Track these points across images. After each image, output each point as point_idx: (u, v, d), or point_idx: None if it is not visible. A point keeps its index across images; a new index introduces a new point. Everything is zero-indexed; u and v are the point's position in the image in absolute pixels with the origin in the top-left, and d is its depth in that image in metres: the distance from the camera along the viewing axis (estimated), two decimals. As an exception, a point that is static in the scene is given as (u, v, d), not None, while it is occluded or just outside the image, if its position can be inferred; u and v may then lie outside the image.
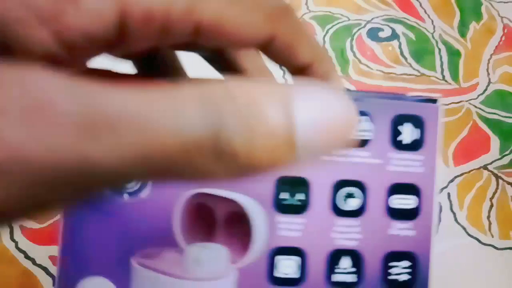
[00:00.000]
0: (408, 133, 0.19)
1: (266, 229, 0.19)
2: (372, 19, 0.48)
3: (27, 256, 0.32)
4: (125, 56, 0.15)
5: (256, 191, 0.19)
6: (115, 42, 0.12)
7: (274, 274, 0.19)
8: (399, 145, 0.19)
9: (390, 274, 0.19)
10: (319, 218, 0.19)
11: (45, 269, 0.32)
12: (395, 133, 0.19)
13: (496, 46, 0.46)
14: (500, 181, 0.37)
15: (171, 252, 0.19)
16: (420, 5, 0.50)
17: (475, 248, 0.34)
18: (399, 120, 0.19)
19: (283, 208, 0.19)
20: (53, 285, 0.31)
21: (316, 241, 0.19)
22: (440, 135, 0.19)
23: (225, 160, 0.10)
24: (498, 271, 0.33)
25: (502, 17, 0.49)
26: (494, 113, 0.41)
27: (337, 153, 0.12)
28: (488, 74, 0.44)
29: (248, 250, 0.19)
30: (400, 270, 0.19)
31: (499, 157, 0.38)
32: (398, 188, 0.19)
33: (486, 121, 0.40)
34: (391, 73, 0.44)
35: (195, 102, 0.10)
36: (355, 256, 0.19)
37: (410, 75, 0.43)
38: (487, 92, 0.42)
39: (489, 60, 0.45)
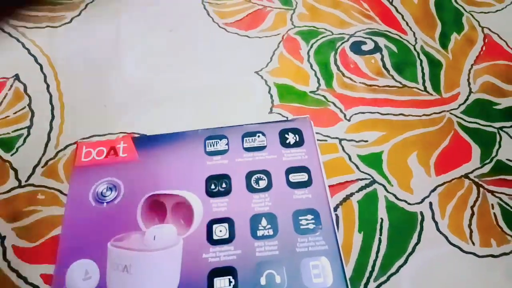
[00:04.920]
0: (291, 137, 0.31)
1: (201, 210, 0.28)
2: (355, 32, 0.49)
3: (19, 275, 0.33)
4: None
5: (193, 186, 0.29)
6: None
7: (212, 237, 0.27)
8: (287, 145, 0.31)
9: (301, 225, 0.27)
10: (240, 196, 0.28)
11: (36, 287, 0.33)
12: (283, 139, 0.31)
13: (477, 56, 0.47)
14: (481, 189, 0.38)
15: (136, 234, 0.27)
16: (403, 17, 0.51)
17: (456, 256, 0.34)
18: (284, 132, 0.31)
19: (213, 194, 0.29)
20: None
21: (240, 211, 0.28)
22: (315, 135, 0.32)
23: None
24: (479, 279, 0.33)
25: (482, 27, 0.50)
26: (475, 122, 0.42)
27: None
28: (469, 84, 0.45)
29: (191, 225, 0.27)
30: (307, 222, 0.27)
31: (480, 165, 0.39)
32: (293, 170, 0.30)
33: (467, 130, 0.41)
34: (374, 85, 0.45)
35: None
36: (271, 217, 0.28)
37: (392, 87, 0.45)
38: (468, 102, 0.43)
39: (470, 70, 0.46)
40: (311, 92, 0.44)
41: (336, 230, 0.27)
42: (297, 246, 0.27)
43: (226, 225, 0.27)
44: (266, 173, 0.30)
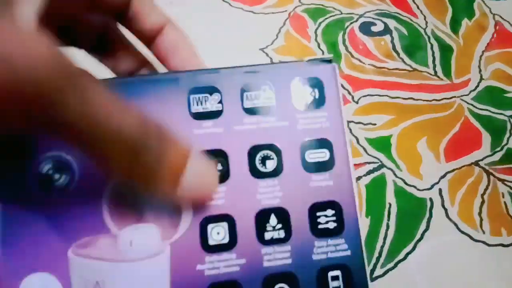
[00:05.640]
0: (308, 93, 0.21)
1: None
2: (365, 13, 0.47)
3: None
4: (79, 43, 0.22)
5: None
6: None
7: (208, 242, 0.20)
8: (302, 106, 0.21)
9: (319, 223, 0.20)
10: (242, 183, 0.21)
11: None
12: (298, 95, 0.21)
13: (488, 43, 0.46)
14: (491, 177, 0.37)
15: (105, 239, 0.19)
16: (413, 0, 0.49)
17: (466, 245, 0.33)
18: (298, 83, 0.21)
19: None
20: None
21: (242, 205, 0.20)
22: (340, 91, 0.21)
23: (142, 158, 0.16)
24: (489, 268, 0.32)
25: (494, 14, 0.49)
26: (486, 110, 0.41)
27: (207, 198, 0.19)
28: (480, 70, 0.44)
29: (179, 225, 0.20)
30: (327, 219, 0.20)
31: (490, 153, 0.38)
32: (310, 144, 0.21)
33: (478, 117, 0.40)
34: (383, 67, 0.43)
35: (137, 121, 0.16)
36: (282, 213, 0.20)
37: (402, 70, 0.43)
38: (479, 89, 0.42)
39: (481, 56, 0.45)
40: (318, 72, 0.42)
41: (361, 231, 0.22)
42: (313, 252, 0.20)
43: (224, 224, 0.20)
44: (275, 149, 0.21)
